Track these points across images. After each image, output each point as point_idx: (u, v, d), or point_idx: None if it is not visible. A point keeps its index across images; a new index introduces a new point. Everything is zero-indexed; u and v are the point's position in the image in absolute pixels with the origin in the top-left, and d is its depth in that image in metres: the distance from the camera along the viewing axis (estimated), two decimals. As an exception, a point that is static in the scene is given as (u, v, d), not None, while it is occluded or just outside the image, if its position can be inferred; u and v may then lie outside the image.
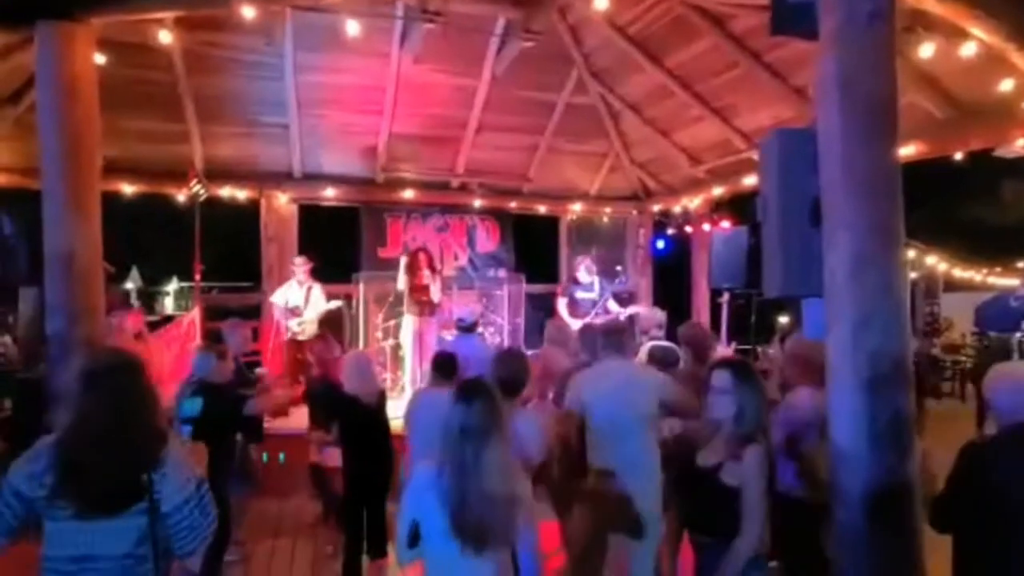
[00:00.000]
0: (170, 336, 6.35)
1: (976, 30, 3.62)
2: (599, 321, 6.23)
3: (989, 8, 3.41)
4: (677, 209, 9.08)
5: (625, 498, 2.97)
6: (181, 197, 7.19)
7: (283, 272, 7.61)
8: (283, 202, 8.03)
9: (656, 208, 9.51)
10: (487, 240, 9.15)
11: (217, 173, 7.47)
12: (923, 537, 2.30)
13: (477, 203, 8.83)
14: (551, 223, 9.80)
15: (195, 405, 3.61)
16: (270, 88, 7.01)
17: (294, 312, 6.94)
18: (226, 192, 7.71)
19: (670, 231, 9.27)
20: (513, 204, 9.11)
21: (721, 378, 2.35)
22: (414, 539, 2.00)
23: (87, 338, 3.73)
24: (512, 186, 9.00)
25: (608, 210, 9.68)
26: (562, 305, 7.19)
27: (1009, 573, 2.19)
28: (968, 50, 4.26)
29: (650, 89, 7.49)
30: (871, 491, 2.33)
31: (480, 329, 6.04)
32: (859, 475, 2.36)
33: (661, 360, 4.06)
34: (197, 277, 7.05)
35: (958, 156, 5.73)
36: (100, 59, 4.19)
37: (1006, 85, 4.54)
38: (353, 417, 3.82)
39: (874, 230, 2.42)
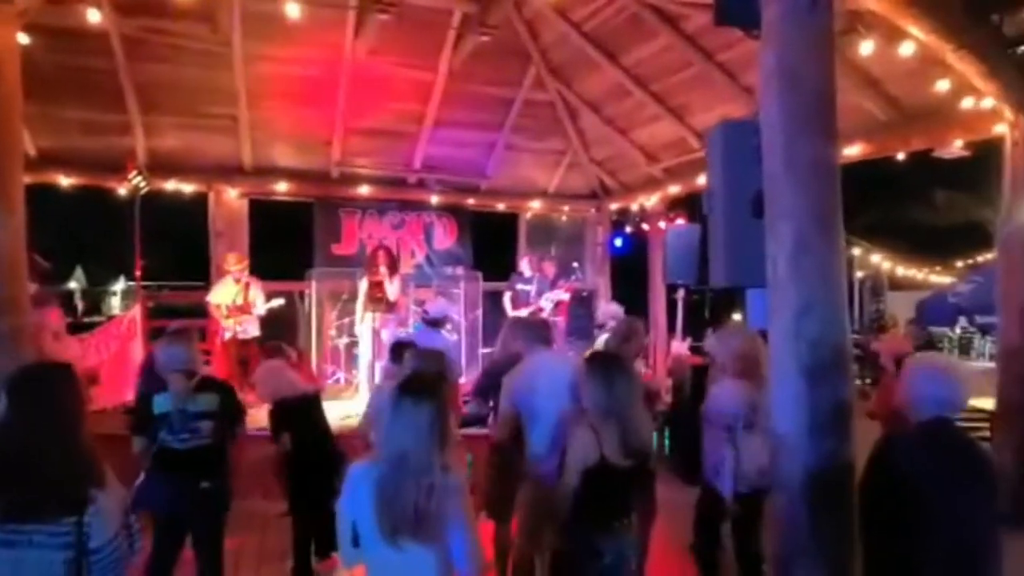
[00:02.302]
0: (107, 335, 6.07)
1: (913, 28, 3.73)
2: (525, 314, 7.03)
3: (925, 7, 3.51)
4: (634, 207, 9.15)
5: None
6: (123, 191, 6.89)
7: (234, 270, 7.37)
8: (232, 196, 7.78)
9: (614, 207, 9.57)
10: (445, 237, 9.05)
11: (162, 166, 7.19)
12: (856, 518, 2.29)
13: (434, 199, 8.73)
14: (510, 221, 9.76)
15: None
16: (218, 78, 6.77)
17: (242, 309, 6.71)
18: (171, 186, 7.43)
19: (628, 229, 9.34)
20: (471, 201, 9.04)
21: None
22: (356, 538, 1.94)
23: (10, 332, 3.52)
24: (470, 183, 8.93)
25: (566, 208, 9.70)
26: (507, 298, 7.88)
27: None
28: (907, 50, 4.38)
29: (607, 87, 7.53)
30: (811, 477, 2.36)
31: (448, 327, 6.13)
32: (799, 461, 2.39)
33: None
34: (138, 274, 6.76)
35: (900, 156, 5.92)
36: (24, 39, 3.96)
37: (943, 85, 4.68)
38: (289, 418, 3.77)
39: (814, 220, 2.45)
